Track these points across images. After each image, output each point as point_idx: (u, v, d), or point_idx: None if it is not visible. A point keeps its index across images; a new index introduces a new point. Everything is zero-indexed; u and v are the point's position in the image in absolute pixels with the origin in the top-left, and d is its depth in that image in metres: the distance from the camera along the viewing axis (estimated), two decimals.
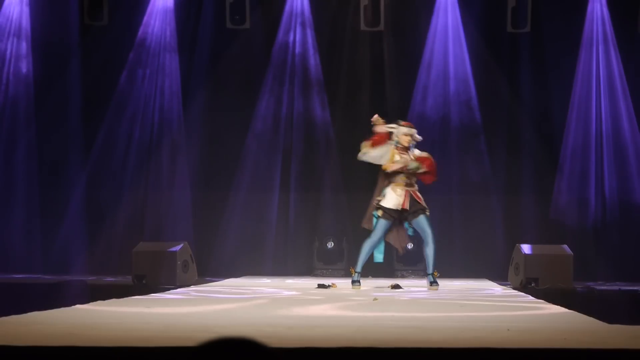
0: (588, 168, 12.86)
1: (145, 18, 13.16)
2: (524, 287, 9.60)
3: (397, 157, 8.92)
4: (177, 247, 10.06)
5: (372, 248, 9.03)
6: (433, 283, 9.00)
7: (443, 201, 13.02)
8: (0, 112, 12.91)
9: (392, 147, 8.95)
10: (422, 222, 9.00)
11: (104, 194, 12.87)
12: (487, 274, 12.04)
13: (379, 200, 8.95)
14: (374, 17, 13.05)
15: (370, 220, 9.06)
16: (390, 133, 8.99)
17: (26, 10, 13.04)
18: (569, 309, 6.04)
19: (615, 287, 10.46)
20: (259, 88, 13.19)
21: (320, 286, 9.12)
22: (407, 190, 8.93)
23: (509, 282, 10.43)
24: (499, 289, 9.61)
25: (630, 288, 10.35)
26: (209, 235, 12.82)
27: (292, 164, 13.14)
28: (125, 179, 12.95)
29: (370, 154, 8.97)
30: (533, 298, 7.63)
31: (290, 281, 10.98)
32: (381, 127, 9.00)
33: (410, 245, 9.21)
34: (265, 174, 13.15)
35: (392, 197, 8.90)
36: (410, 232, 9.17)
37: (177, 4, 13.21)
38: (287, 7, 13.28)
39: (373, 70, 13.26)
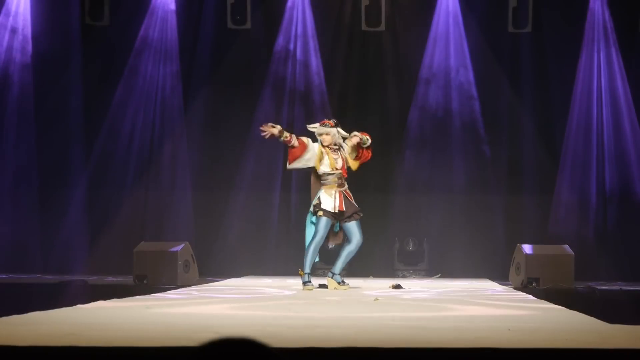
0: (589, 168, 12.86)
1: (147, 18, 13.16)
2: (525, 287, 9.59)
3: (326, 158, 8.83)
4: (178, 247, 10.06)
5: (318, 248, 8.96)
6: (341, 283, 8.95)
7: (444, 201, 13.04)
8: (0, 111, 12.91)
9: (320, 147, 8.85)
10: (353, 226, 8.92)
11: (105, 194, 12.88)
12: (488, 274, 12.04)
13: (316, 205, 8.91)
14: (375, 17, 13.05)
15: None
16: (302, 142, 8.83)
17: (27, 10, 13.04)
18: (570, 308, 6.04)
19: (617, 287, 10.46)
20: (260, 88, 13.20)
21: (322, 286, 9.12)
22: (339, 192, 8.90)
23: (510, 282, 10.43)
24: (500, 288, 9.61)
25: (632, 288, 10.35)
26: (210, 235, 12.82)
27: None
28: (127, 178, 12.96)
29: (293, 165, 8.95)
30: (534, 298, 7.62)
31: (292, 281, 10.97)
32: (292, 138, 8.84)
33: (331, 245, 9.19)
34: (266, 173, 13.16)
35: (328, 200, 8.85)
36: (336, 229, 9.06)
37: (178, 5, 13.21)
38: (288, 7, 13.29)
39: (374, 70, 13.26)
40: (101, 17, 12.93)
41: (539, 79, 13.00)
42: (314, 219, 9.00)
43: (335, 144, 8.86)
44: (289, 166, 9.03)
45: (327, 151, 8.85)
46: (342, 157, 8.87)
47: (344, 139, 8.94)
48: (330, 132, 8.83)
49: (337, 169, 8.86)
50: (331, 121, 8.95)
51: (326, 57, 13.26)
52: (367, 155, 8.96)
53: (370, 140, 8.86)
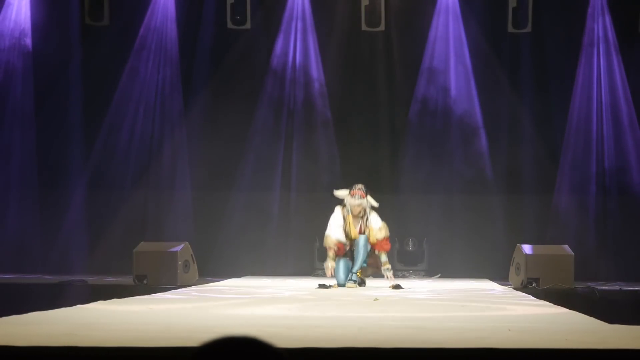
0: (589, 168, 12.86)
1: (146, 18, 13.16)
2: (524, 287, 9.59)
3: (354, 226, 9.24)
4: (178, 247, 10.05)
5: (346, 267, 9.34)
6: (357, 281, 9.31)
7: (444, 201, 13.04)
8: (0, 111, 12.90)
9: (343, 216, 9.25)
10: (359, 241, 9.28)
11: (105, 194, 12.87)
12: (487, 274, 12.04)
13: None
14: (375, 17, 13.04)
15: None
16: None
17: (27, 10, 13.03)
18: (570, 308, 6.04)
19: (616, 287, 10.46)
20: (260, 88, 13.19)
21: (321, 286, 9.13)
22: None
23: (509, 282, 10.43)
24: (499, 289, 9.61)
25: (632, 288, 10.35)
26: (210, 235, 12.82)
27: (293, 163, 13.15)
28: (126, 178, 12.95)
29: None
30: (534, 298, 7.63)
31: (291, 281, 10.98)
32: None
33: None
34: (266, 173, 13.15)
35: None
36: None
37: (178, 5, 13.21)
38: (288, 7, 13.28)
39: (374, 70, 13.26)
40: (101, 17, 12.92)
41: (539, 79, 13.00)
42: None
43: (362, 212, 9.22)
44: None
45: (350, 220, 9.19)
46: (362, 226, 9.21)
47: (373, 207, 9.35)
48: (362, 204, 9.19)
49: (352, 239, 9.27)
50: (362, 191, 9.25)
51: (326, 57, 13.25)
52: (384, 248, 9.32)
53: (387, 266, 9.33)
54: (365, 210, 9.19)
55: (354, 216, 9.22)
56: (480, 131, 13.07)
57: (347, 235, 9.23)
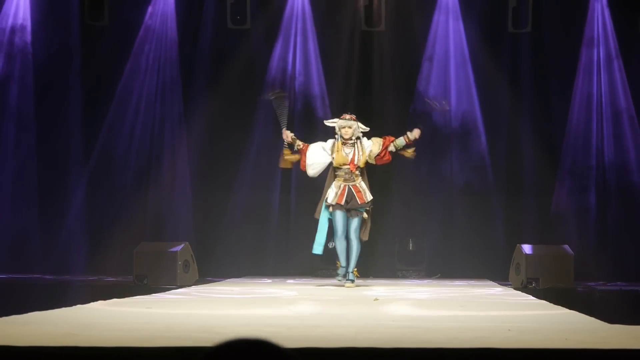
0: (589, 167, 12.85)
1: (146, 18, 13.16)
2: (524, 287, 9.60)
3: (336, 154, 9.19)
4: (178, 247, 10.06)
5: (342, 241, 9.27)
6: (348, 280, 9.28)
7: (444, 201, 13.04)
8: (0, 111, 12.90)
9: (335, 142, 9.25)
10: (353, 222, 9.25)
11: (105, 194, 12.87)
12: (487, 274, 12.03)
13: (325, 200, 9.28)
14: (374, 17, 13.05)
15: (319, 212, 9.40)
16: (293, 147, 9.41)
17: (26, 10, 13.03)
18: (570, 309, 6.04)
19: (616, 287, 10.46)
20: (260, 87, 13.19)
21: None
22: (345, 185, 9.21)
23: (509, 282, 10.44)
24: (499, 289, 9.61)
25: (632, 288, 10.35)
26: (210, 235, 12.82)
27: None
28: (127, 178, 12.95)
29: (308, 171, 9.39)
30: (534, 298, 7.63)
31: (291, 281, 10.98)
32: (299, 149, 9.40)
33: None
34: (266, 173, 13.14)
35: (332, 192, 9.23)
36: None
37: (178, 4, 13.21)
38: (288, 7, 13.29)
39: (374, 70, 13.26)
40: (101, 17, 12.92)
41: (539, 79, 12.99)
42: (329, 214, 9.33)
43: (352, 138, 9.18)
44: (310, 174, 9.45)
45: (340, 146, 9.13)
46: (356, 152, 9.10)
47: (364, 134, 9.34)
48: (352, 125, 9.20)
49: (345, 165, 9.18)
50: (352, 115, 9.32)
51: (326, 57, 13.25)
52: (389, 158, 9.37)
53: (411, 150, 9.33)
54: (355, 136, 9.19)
55: (345, 141, 9.19)
56: (480, 130, 13.06)
57: (335, 160, 9.18)
